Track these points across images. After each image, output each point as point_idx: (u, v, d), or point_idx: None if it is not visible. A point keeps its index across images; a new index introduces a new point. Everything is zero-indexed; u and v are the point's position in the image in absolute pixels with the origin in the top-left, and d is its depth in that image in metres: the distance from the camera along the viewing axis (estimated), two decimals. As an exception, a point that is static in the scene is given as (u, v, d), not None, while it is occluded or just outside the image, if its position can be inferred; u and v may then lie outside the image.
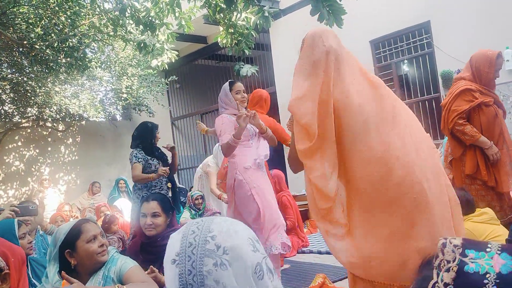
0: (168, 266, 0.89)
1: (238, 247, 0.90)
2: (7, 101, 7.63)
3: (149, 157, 3.97)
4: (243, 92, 3.48)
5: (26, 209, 2.66)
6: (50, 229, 3.02)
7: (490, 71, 3.27)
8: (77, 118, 8.41)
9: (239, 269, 0.88)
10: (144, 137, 4.07)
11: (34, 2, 5.17)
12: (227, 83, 3.53)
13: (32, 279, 2.39)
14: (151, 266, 2.04)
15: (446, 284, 0.59)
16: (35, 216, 2.86)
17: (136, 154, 3.96)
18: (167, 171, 3.90)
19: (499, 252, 0.59)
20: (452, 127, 3.30)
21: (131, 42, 5.33)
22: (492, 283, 0.56)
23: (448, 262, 0.61)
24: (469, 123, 3.26)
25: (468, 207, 2.89)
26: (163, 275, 2.00)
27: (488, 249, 0.60)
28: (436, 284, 0.60)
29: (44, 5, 5.16)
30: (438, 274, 0.61)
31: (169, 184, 4.08)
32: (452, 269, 0.60)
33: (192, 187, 5.72)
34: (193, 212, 4.88)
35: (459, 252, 0.61)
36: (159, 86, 8.59)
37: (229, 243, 0.90)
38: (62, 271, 1.80)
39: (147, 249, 2.40)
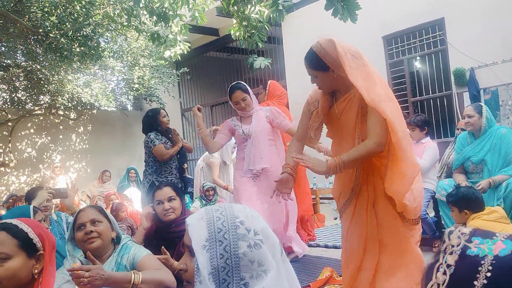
0: (200, 252, 0.94)
1: (265, 228, 1.00)
2: (20, 88, 7.72)
3: (164, 139, 4.12)
4: (242, 101, 3.54)
5: (59, 191, 2.98)
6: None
7: None
8: (88, 107, 8.49)
9: (270, 246, 0.97)
10: (152, 126, 4.20)
11: (49, -9, 5.21)
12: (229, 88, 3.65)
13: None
14: (163, 247, 2.07)
15: (448, 265, 0.66)
16: (65, 199, 3.18)
17: (156, 136, 4.07)
18: (190, 147, 4.31)
19: (503, 239, 0.65)
20: None
21: (144, 33, 5.35)
22: (489, 263, 0.62)
23: (453, 246, 0.67)
24: None
25: (477, 205, 2.89)
26: (176, 260, 2.05)
27: (494, 237, 0.66)
28: (440, 265, 0.67)
29: (60, -6, 5.20)
30: (443, 257, 0.67)
31: (185, 165, 4.25)
32: (455, 252, 0.66)
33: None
34: (204, 202, 4.93)
35: (464, 239, 0.67)
36: (170, 77, 8.63)
37: (257, 226, 0.98)
38: (88, 252, 1.86)
39: (162, 236, 2.43)
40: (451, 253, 0.66)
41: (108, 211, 2.21)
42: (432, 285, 0.67)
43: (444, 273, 0.65)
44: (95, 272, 1.67)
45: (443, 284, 0.65)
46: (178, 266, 1.09)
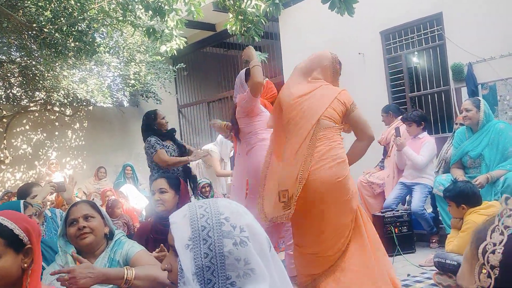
0: (183, 251, 0.90)
1: (251, 224, 0.95)
2: (15, 84, 7.66)
3: (164, 143, 3.89)
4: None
5: (59, 185, 3.14)
6: None
7: None
8: (84, 103, 8.43)
9: (257, 244, 0.93)
10: (152, 129, 3.95)
11: (43, -15, 5.15)
12: (243, 72, 3.49)
13: (40, 259, 2.41)
14: (161, 245, 2.05)
15: (506, 227, 0.70)
16: (63, 192, 3.24)
17: (156, 140, 3.81)
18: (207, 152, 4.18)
19: None
20: None
21: (140, 28, 5.30)
22: None
23: (511, 210, 0.72)
24: None
25: (474, 199, 2.88)
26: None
27: None
28: (497, 227, 0.71)
29: (54, -12, 5.14)
30: (499, 220, 0.71)
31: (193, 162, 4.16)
32: None
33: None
34: (201, 199, 4.92)
35: None
36: (166, 73, 8.57)
37: (243, 222, 0.94)
38: (72, 251, 1.82)
39: (158, 229, 2.42)
40: (509, 216, 0.70)
41: (100, 207, 2.18)
42: (486, 245, 0.69)
43: (501, 233, 0.69)
44: (76, 273, 1.61)
45: (500, 243, 0.68)
46: (162, 266, 1.03)
